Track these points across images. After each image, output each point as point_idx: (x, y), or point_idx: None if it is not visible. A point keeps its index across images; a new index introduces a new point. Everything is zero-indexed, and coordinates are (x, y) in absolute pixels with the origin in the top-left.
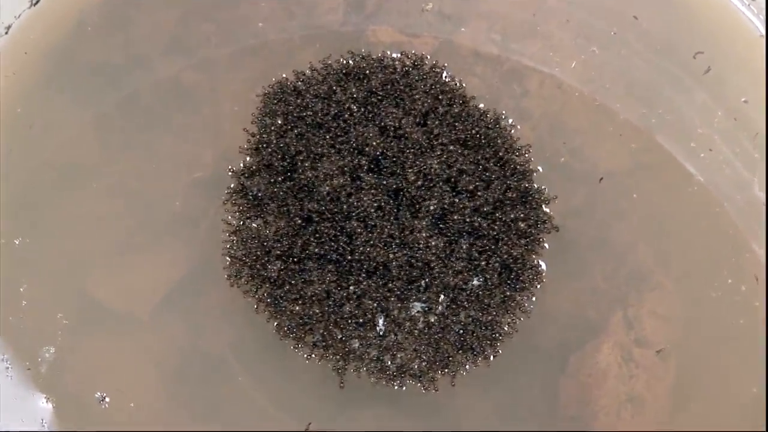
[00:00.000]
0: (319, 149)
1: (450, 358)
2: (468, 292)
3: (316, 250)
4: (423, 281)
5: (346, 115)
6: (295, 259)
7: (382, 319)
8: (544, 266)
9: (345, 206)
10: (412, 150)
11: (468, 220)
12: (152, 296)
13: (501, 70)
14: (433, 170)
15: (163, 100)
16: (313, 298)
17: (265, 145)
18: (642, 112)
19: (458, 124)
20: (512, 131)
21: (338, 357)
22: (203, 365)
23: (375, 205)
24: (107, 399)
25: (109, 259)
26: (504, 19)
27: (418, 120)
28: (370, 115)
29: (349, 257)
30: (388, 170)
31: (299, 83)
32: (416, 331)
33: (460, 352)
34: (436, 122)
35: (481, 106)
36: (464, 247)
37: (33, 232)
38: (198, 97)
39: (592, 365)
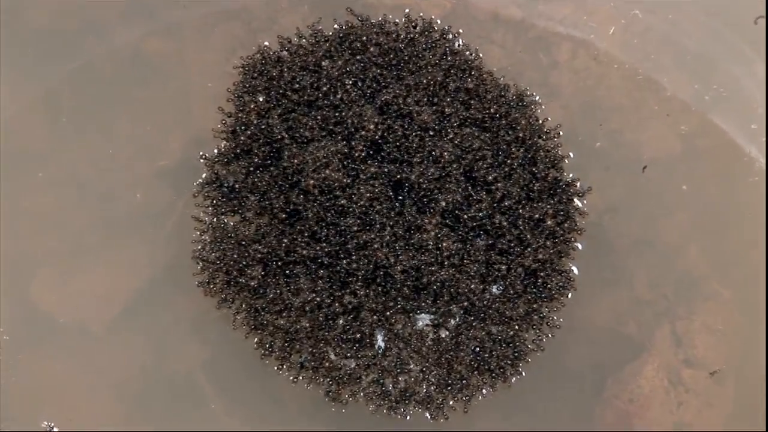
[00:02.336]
0: (308, 132)
1: (464, 381)
2: (485, 302)
3: (305, 252)
4: (432, 289)
5: (340, 92)
6: (280, 263)
7: (383, 334)
8: (576, 271)
9: (339, 200)
10: (418, 133)
11: (485, 216)
12: (109, 307)
13: (525, 37)
14: (443, 157)
15: (122, 73)
16: (301, 309)
17: (243, 128)
18: (694, 88)
19: (474, 101)
20: (538, 110)
21: (330, 380)
22: (169, 389)
23: (374, 198)
24: (55, 429)
25: (58, 262)
26: None
27: (425, 97)
28: (369, 92)
29: (344, 261)
30: (390, 157)
31: (284, 53)
32: (424, 349)
33: (476, 373)
34: (447, 100)
35: (501, 80)
36: (481, 248)
37: None
38: (163, 70)
39: (634, 390)
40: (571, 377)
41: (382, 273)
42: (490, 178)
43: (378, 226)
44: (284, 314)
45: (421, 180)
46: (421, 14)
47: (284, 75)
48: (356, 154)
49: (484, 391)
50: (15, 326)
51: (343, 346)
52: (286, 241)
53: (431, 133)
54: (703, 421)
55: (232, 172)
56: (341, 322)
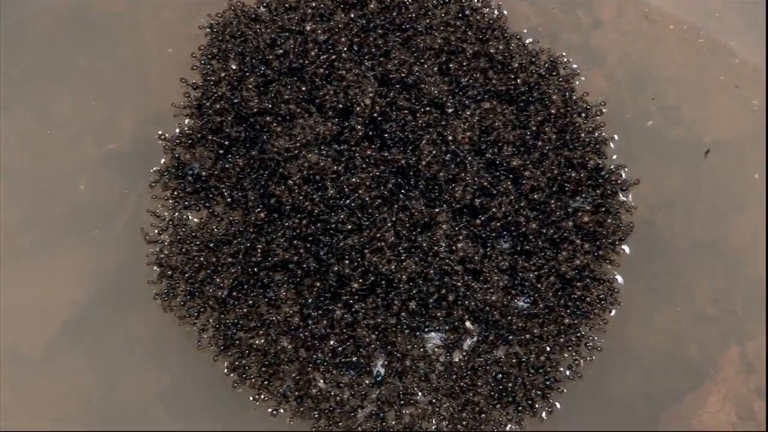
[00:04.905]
0: (292, 107)
1: (483, 416)
2: (510, 318)
3: (286, 255)
4: (443, 302)
5: (332, 58)
6: (255, 270)
7: (383, 357)
8: (621, 281)
9: (329, 191)
10: (427, 109)
11: (510, 212)
12: (46, 325)
13: None
14: (459, 139)
15: (63, 35)
16: (282, 326)
17: (211, 102)
18: None
19: (495, 70)
20: (576, 81)
21: (319, 413)
22: (120, 424)
23: (372, 189)
24: None
25: None
26: None
27: (436, 65)
28: (366, 58)
29: (335, 267)
30: (393, 139)
31: (262, 9)
32: (433, 376)
33: (498, 406)
34: (464, 68)
35: (529, 42)
36: (504, 252)
37: None
38: (113, 32)
39: (695, 425)
40: (617, 410)
41: (382, 281)
42: (515, 164)
43: (377, 223)
44: (261, 332)
45: (430, 167)
46: None
47: (262, 37)
48: (350, 135)
49: (508, 428)
50: None
51: (334, 371)
52: (263, 241)
53: (444, 109)
54: None
55: (197, 156)
56: (332, 342)
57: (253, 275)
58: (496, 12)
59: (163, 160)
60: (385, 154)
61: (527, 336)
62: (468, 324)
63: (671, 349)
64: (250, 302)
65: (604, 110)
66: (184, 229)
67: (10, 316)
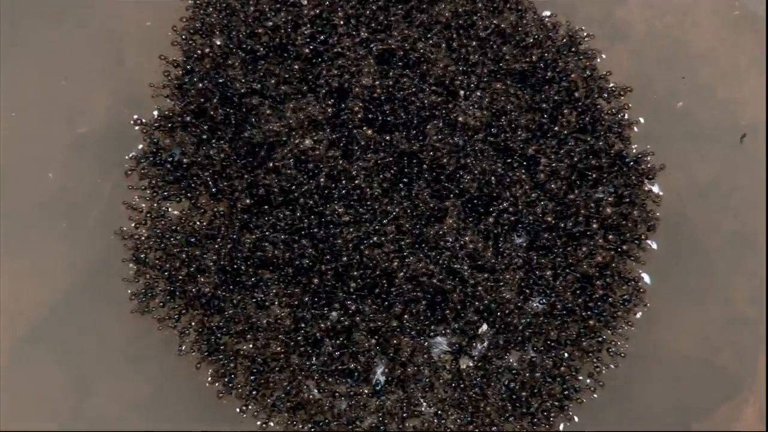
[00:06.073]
0: (283, 88)
1: (494, 429)
2: (524, 320)
3: (276, 252)
4: (451, 304)
5: (327, 33)
6: (243, 267)
7: (384, 364)
8: (648, 280)
9: (323, 180)
10: (433, 89)
11: (525, 203)
12: (10, 329)
13: None
14: (468, 122)
15: (29, 5)
16: (272, 330)
17: (194, 81)
18: None
19: (509, 46)
20: (598, 59)
21: (313, 426)
22: None
23: (371, 178)
24: None
25: None
26: None
27: (443, 41)
28: (366, 34)
29: (331, 265)
30: (395, 122)
31: None
32: (439, 385)
33: (511, 418)
34: (473, 44)
35: (547, 15)
36: (519, 247)
37: None
38: (85, 3)
39: None
40: (643, 424)
41: (383, 280)
42: (530, 151)
43: (377, 215)
44: (249, 336)
45: (436, 154)
46: None
47: (250, 9)
48: (348, 118)
49: None
50: None
51: (330, 379)
52: (251, 237)
53: (451, 89)
54: None
55: (178, 142)
56: (327, 347)
57: (240, 274)
58: None
59: (140, 146)
60: (386, 138)
61: (543, 340)
62: (484, 327)
63: (703, 355)
64: (237, 303)
65: (629, 90)
66: (163, 222)
67: None
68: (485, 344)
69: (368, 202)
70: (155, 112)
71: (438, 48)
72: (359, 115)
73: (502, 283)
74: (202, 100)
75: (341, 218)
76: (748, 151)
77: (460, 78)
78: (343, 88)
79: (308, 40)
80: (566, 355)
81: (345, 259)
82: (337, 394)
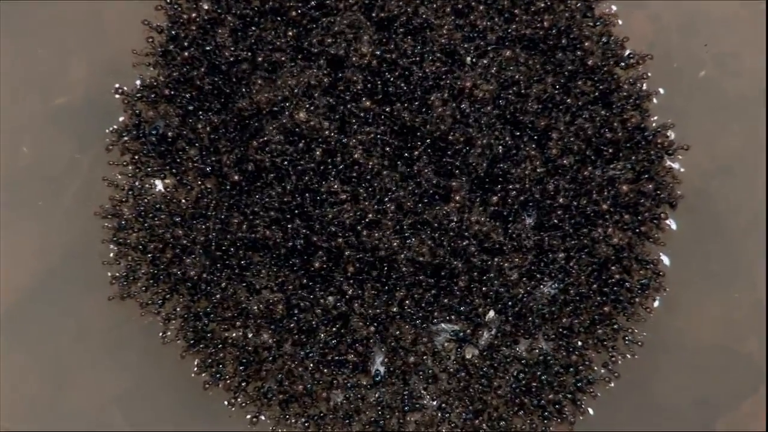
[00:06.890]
0: (276, 56)
1: (502, 423)
2: (535, 307)
3: (268, 232)
4: (456, 288)
5: None
6: (231, 249)
7: (383, 353)
8: (667, 263)
9: (318, 154)
10: (437, 56)
11: (536, 180)
12: None
13: None
14: (473, 93)
15: None
16: (263, 316)
17: (180, 48)
18: None
19: (519, 11)
20: (614, 25)
21: (307, 420)
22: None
23: (370, 152)
24: None
25: None
26: None
27: (447, 5)
28: None
29: (326, 246)
30: (395, 93)
31: None
32: (443, 376)
33: (520, 412)
34: (480, 9)
35: None
36: (529, 228)
37: None
38: None
39: None
40: (662, 418)
41: (382, 264)
42: (542, 123)
43: (376, 193)
44: (238, 323)
45: (440, 127)
46: None
47: None
48: (345, 88)
49: None
50: None
51: (326, 370)
52: (240, 216)
53: (456, 57)
54: None
55: (162, 114)
56: (322, 335)
57: (229, 256)
58: None
59: (121, 118)
60: (386, 110)
61: (555, 328)
62: (491, 313)
63: (728, 343)
64: (225, 287)
65: (648, 58)
66: (146, 200)
67: None
68: (492, 332)
69: (367, 178)
70: (138, 82)
71: (441, 13)
72: (358, 86)
73: (511, 266)
74: (188, 68)
75: (337, 197)
76: None
77: (466, 45)
78: (339, 57)
79: (301, 3)
80: (579, 343)
81: (342, 240)
82: (333, 385)
